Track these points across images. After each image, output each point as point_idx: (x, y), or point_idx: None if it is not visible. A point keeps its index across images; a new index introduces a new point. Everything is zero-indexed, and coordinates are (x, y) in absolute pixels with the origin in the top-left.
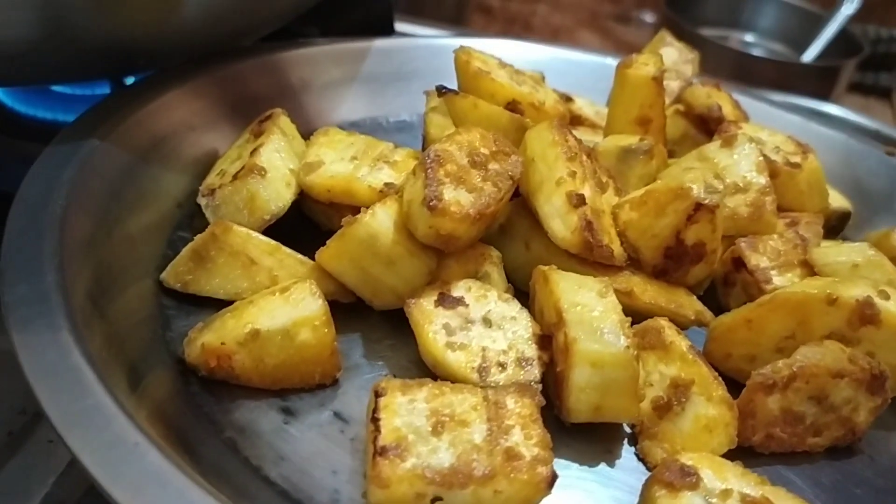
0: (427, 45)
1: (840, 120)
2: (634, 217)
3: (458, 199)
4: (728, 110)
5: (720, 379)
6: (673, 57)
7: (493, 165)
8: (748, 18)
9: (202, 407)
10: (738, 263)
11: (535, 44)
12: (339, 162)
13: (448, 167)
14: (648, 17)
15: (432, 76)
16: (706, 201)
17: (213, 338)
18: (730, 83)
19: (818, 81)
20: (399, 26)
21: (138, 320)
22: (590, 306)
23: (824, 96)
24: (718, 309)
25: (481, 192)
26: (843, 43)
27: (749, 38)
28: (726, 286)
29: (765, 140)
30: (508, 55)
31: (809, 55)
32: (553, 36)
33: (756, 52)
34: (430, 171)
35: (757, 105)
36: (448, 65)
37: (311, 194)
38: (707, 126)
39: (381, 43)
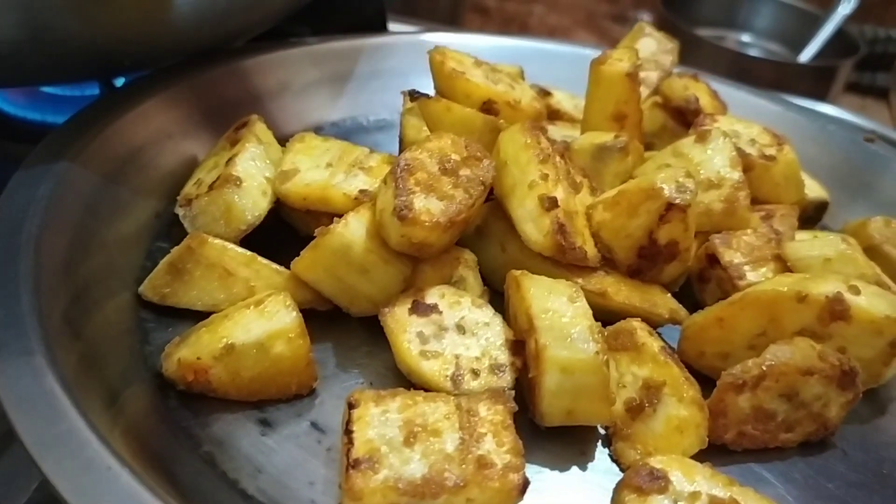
0: (405, 41)
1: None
2: (608, 217)
3: (428, 207)
4: (706, 101)
5: (692, 380)
6: (651, 48)
7: (464, 171)
8: (745, 18)
9: (180, 422)
10: (712, 260)
11: (514, 38)
12: (314, 169)
13: (418, 175)
14: (645, 18)
15: (411, 73)
16: (677, 201)
17: (189, 352)
18: (708, 74)
19: (815, 81)
20: (392, 27)
21: (116, 334)
22: (560, 312)
23: (821, 96)
24: (694, 304)
25: (452, 199)
26: (840, 43)
27: (746, 38)
28: (701, 282)
29: (740, 132)
30: (488, 50)
31: (806, 55)
32: (550, 36)
33: (753, 52)
34: (399, 180)
35: (736, 94)
36: (426, 61)
37: (286, 203)
38: (685, 118)
39: (358, 41)
